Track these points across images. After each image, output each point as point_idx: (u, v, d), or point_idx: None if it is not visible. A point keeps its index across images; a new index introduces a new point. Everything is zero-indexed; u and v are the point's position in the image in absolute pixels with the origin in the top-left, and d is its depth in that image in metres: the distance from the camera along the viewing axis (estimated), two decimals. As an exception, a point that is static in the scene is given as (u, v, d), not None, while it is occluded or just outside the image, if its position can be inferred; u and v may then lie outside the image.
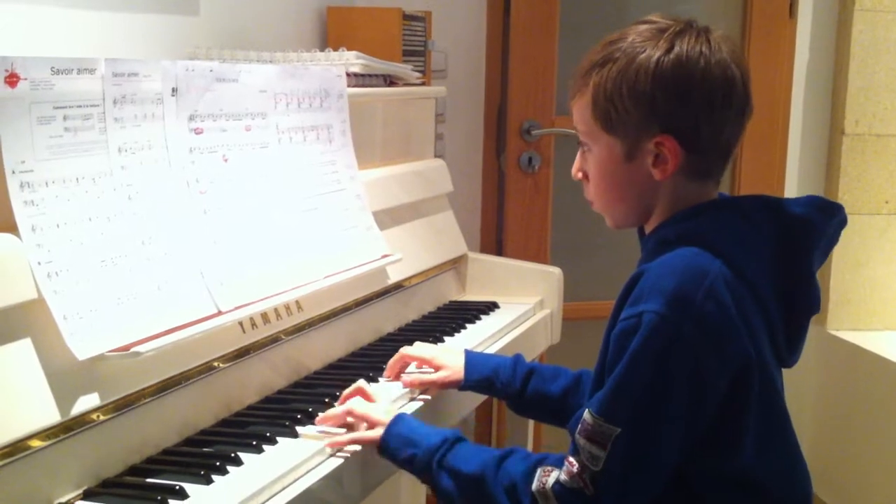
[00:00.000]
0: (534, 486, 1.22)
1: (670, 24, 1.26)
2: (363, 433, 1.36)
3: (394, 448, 1.34)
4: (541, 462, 1.24)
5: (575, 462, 1.19)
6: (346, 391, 1.45)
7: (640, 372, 1.17)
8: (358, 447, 1.35)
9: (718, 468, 1.23)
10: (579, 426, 1.20)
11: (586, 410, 1.20)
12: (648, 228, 1.32)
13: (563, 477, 1.20)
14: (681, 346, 1.16)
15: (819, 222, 1.30)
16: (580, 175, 1.35)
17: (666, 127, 1.23)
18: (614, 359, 1.20)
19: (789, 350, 1.29)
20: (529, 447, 2.29)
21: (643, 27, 1.26)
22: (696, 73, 1.22)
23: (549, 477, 1.21)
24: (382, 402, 1.43)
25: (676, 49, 1.22)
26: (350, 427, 1.38)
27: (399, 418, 1.37)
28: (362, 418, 1.38)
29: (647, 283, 1.19)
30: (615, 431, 1.17)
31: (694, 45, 1.23)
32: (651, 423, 1.17)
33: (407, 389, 1.58)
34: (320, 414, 1.41)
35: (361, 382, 1.46)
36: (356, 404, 1.39)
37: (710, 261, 1.20)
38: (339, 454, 1.34)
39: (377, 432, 1.35)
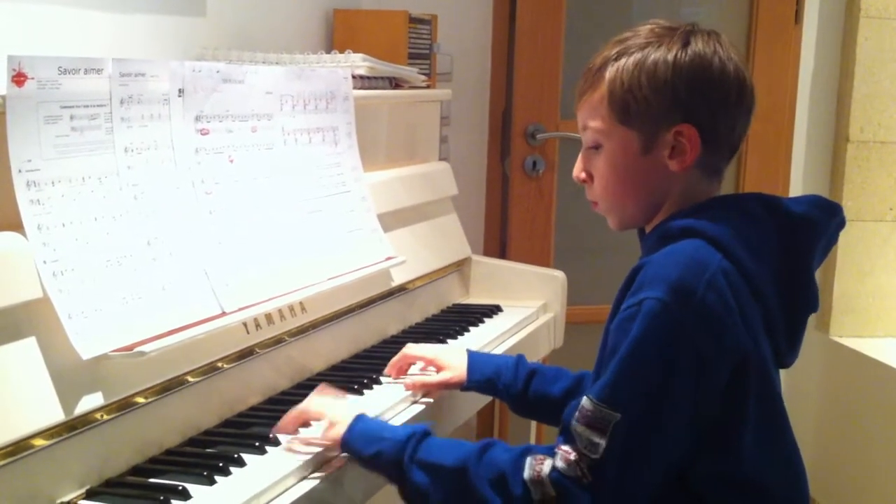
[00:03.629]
0: (526, 475, 1.19)
1: (679, 24, 1.28)
2: (323, 433, 1.32)
3: (358, 445, 1.29)
4: (528, 452, 1.22)
5: (571, 450, 1.18)
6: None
7: (642, 357, 1.16)
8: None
9: (717, 467, 1.22)
10: (577, 413, 1.19)
11: (585, 397, 1.19)
12: (650, 227, 1.32)
13: (560, 464, 1.18)
14: (682, 335, 1.16)
15: (820, 221, 1.31)
16: (583, 175, 1.34)
17: (686, 117, 1.25)
18: (615, 346, 1.19)
19: (788, 348, 1.29)
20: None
21: (652, 26, 1.28)
22: (714, 69, 1.25)
23: (542, 465, 1.19)
24: (341, 402, 1.38)
25: (692, 46, 1.25)
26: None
27: (362, 416, 1.33)
28: (318, 418, 1.34)
29: (648, 274, 1.20)
30: (615, 417, 1.16)
31: (708, 43, 1.26)
32: (652, 410, 1.16)
33: (409, 392, 1.58)
34: (289, 439, 1.34)
35: (320, 386, 1.42)
36: (311, 404, 1.36)
37: (711, 254, 1.21)
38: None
39: (337, 431, 1.31)
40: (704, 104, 1.25)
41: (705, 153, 1.26)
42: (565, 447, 1.19)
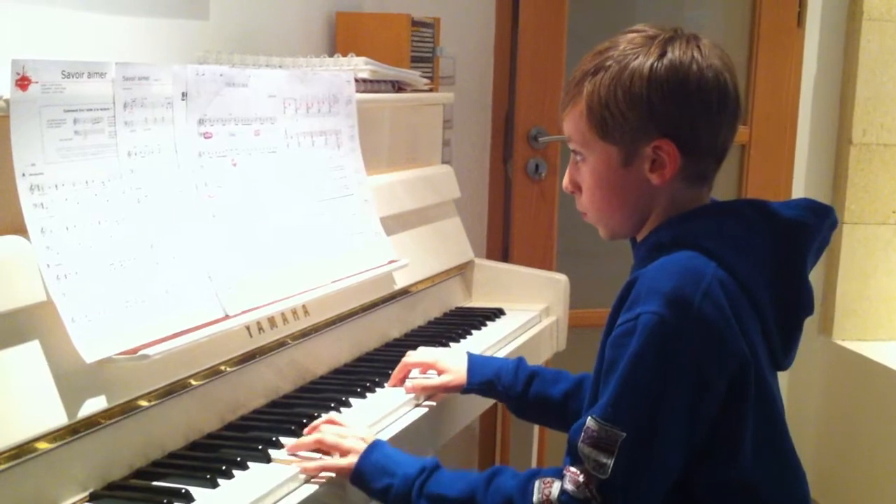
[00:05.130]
0: (535, 499, 1.19)
1: (659, 31, 1.26)
2: (335, 461, 1.31)
3: (368, 477, 1.29)
4: (535, 476, 1.22)
5: (580, 472, 1.17)
6: (315, 423, 1.38)
7: (642, 373, 1.16)
8: (331, 473, 1.31)
9: (716, 473, 1.22)
10: (582, 434, 1.18)
11: (589, 417, 1.18)
12: (641, 236, 1.32)
13: (569, 486, 1.17)
14: (680, 348, 1.16)
15: (812, 224, 1.30)
16: (571, 187, 1.34)
17: (663, 131, 1.23)
18: (612, 363, 1.18)
19: (784, 352, 1.29)
20: (534, 454, 2.29)
21: (632, 35, 1.27)
22: (691, 78, 1.23)
23: (551, 488, 1.19)
24: (355, 429, 1.37)
25: (669, 55, 1.23)
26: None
27: (375, 445, 1.32)
28: (333, 448, 1.32)
29: (643, 287, 1.19)
30: (621, 436, 1.15)
31: (686, 51, 1.24)
32: (656, 425, 1.16)
33: (411, 395, 1.58)
34: (291, 442, 1.35)
35: (332, 414, 1.41)
36: (326, 434, 1.34)
37: (705, 263, 1.20)
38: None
39: (349, 460, 1.30)
40: (683, 116, 1.23)
41: (688, 164, 1.25)
42: (573, 469, 1.18)
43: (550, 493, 1.19)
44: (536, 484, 1.20)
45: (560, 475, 1.20)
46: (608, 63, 1.25)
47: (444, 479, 1.27)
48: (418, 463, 1.29)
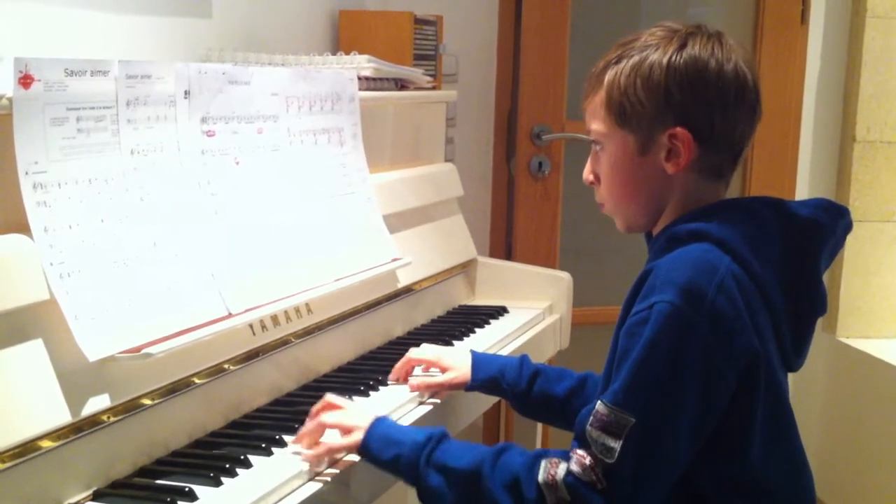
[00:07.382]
0: (540, 478, 1.19)
1: (682, 27, 1.29)
2: (340, 440, 1.31)
3: (376, 449, 1.30)
4: (542, 455, 1.23)
5: (587, 455, 1.18)
6: (314, 407, 1.37)
7: (654, 360, 1.16)
8: (337, 470, 1.31)
9: (724, 470, 1.23)
10: (591, 418, 1.19)
11: (599, 402, 1.19)
12: (657, 230, 1.32)
13: (575, 468, 1.18)
14: (692, 339, 1.16)
15: (826, 224, 1.31)
16: (591, 178, 1.35)
17: (679, 119, 1.25)
18: (625, 351, 1.19)
19: (795, 352, 1.29)
20: (537, 452, 2.28)
21: (655, 29, 1.29)
22: (710, 70, 1.25)
23: (557, 468, 1.19)
24: (355, 407, 1.37)
25: (689, 48, 1.25)
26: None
27: (380, 420, 1.33)
28: (335, 427, 1.33)
29: (657, 278, 1.20)
30: (630, 421, 1.16)
31: (706, 45, 1.26)
32: (666, 413, 1.16)
33: (415, 393, 1.58)
34: (293, 436, 1.35)
35: (328, 396, 1.39)
36: (327, 416, 1.34)
37: (720, 257, 1.21)
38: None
39: (355, 436, 1.31)
40: (699, 106, 1.25)
41: (703, 155, 1.26)
42: (581, 451, 1.19)
43: (556, 473, 1.19)
44: (543, 463, 1.21)
45: (567, 457, 1.20)
46: (630, 53, 1.27)
47: (452, 448, 1.27)
48: (425, 432, 1.30)
